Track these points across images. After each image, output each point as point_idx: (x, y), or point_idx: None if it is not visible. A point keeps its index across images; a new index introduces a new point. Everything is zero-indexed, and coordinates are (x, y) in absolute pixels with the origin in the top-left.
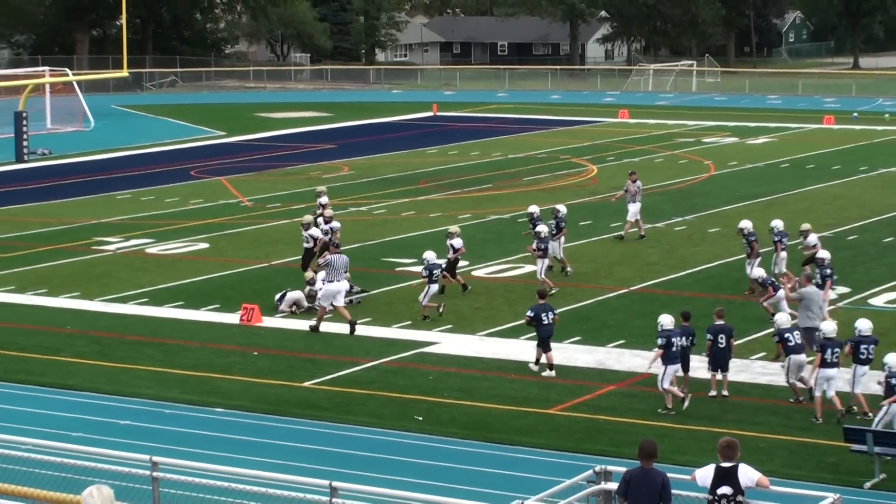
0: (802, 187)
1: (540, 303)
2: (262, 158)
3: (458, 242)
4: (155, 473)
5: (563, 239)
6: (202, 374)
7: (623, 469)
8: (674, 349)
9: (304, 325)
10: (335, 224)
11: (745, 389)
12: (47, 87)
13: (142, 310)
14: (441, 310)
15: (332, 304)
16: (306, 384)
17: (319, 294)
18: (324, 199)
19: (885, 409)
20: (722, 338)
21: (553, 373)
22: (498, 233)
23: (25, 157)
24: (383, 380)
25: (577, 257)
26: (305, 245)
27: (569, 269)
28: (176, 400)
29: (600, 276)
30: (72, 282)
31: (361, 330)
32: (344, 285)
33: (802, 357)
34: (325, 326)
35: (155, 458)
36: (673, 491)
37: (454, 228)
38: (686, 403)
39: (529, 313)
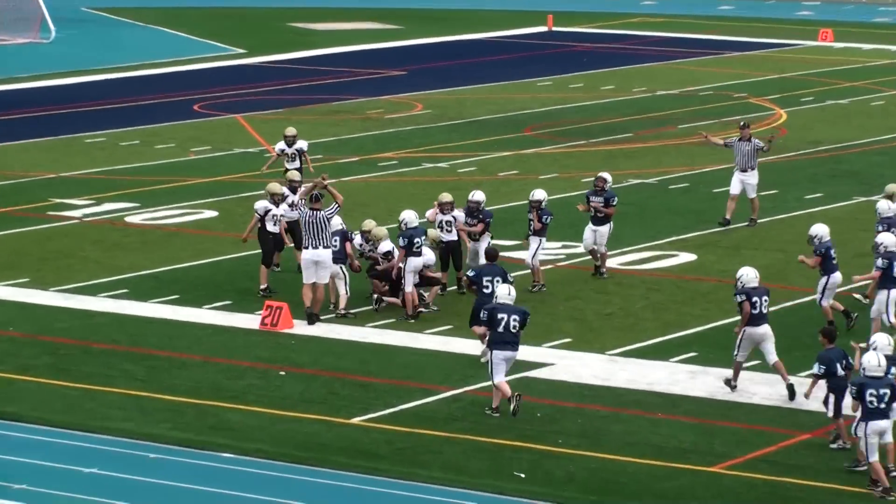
0: None
1: (829, 347)
2: (298, 89)
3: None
4: None
5: (610, 225)
6: (203, 401)
7: None
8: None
9: (354, 333)
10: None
11: None
12: None
13: (118, 305)
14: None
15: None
16: (355, 420)
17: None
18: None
19: None
20: None
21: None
22: (639, 204)
23: None
24: (468, 417)
25: (759, 242)
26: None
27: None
28: (165, 439)
29: (789, 272)
30: (17, 262)
31: (435, 343)
32: (324, 255)
33: None
34: (384, 337)
35: None
36: None
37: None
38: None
39: None
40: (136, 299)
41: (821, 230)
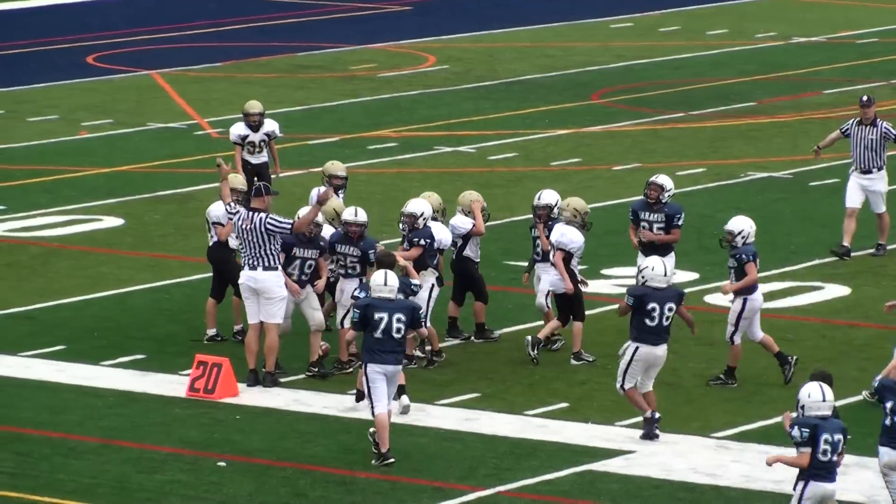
0: None
1: None
2: (246, 31)
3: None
4: None
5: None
6: None
7: None
8: None
9: (330, 402)
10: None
11: None
12: None
13: None
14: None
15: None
16: None
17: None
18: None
19: None
20: None
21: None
22: (764, 211)
23: None
24: None
25: None
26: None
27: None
28: None
29: None
30: None
31: (453, 418)
32: (265, 279)
33: None
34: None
35: None
36: None
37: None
38: None
39: None
40: None
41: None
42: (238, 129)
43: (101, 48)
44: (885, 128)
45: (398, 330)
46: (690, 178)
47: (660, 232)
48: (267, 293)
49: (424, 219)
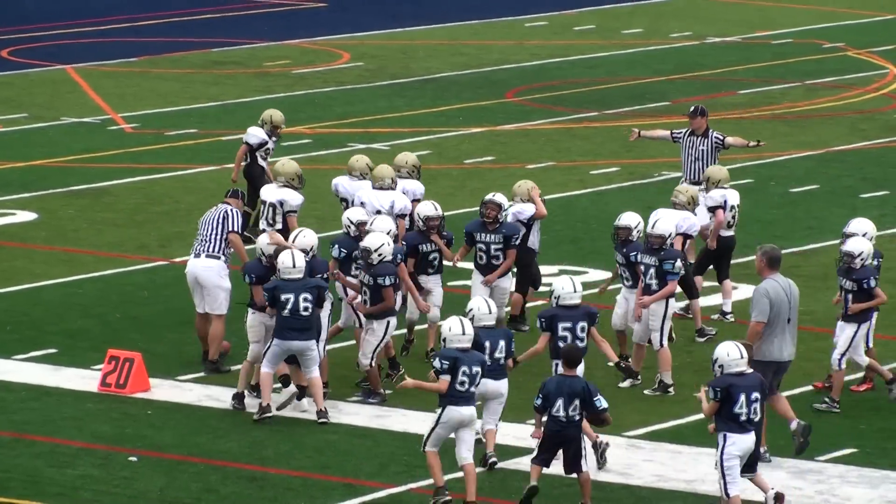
0: None
1: None
2: (161, 27)
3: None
4: None
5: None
6: (13, 500)
7: None
8: None
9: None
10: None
11: None
12: None
13: None
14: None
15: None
16: None
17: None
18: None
19: None
20: None
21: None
22: None
23: None
24: None
25: None
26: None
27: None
28: None
29: None
30: None
31: (364, 416)
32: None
33: None
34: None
35: None
36: None
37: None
38: None
39: None
40: None
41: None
42: (260, 135)
43: (16, 42)
44: (716, 137)
45: (305, 309)
46: (604, 176)
47: (498, 253)
48: (203, 281)
49: (380, 255)
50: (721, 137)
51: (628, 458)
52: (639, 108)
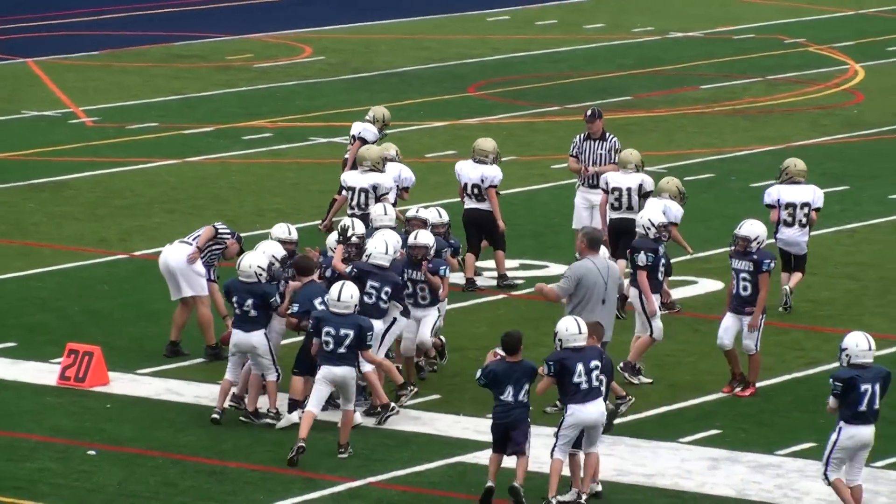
0: None
1: None
2: (123, 20)
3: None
4: None
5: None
6: None
7: None
8: None
9: (202, 391)
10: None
11: None
12: None
13: None
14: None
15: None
16: None
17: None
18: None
19: None
20: None
21: None
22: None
23: None
24: None
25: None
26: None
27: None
28: None
29: (862, 310)
30: None
31: (328, 412)
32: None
33: None
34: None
35: None
36: None
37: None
38: None
39: None
40: None
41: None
42: (374, 131)
43: None
44: (615, 141)
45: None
46: (566, 171)
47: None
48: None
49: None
50: (617, 143)
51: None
52: (600, 103)
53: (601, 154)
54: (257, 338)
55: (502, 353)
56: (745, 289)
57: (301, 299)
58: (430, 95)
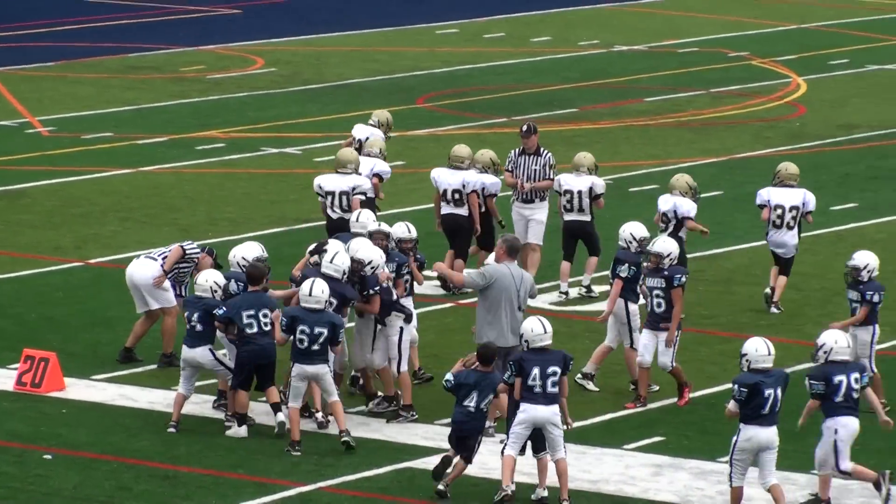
0: None
1: None
2: (78, 32)
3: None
4: None
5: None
6: None
7: None
8: None
9: (157, 398)
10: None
11: None
12: None
13: None
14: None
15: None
16: None
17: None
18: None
19: None
20: None
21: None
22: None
23: None
24: None
25: (761, 273)
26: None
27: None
28: None
29: (804, 320)
30: None
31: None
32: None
33: None
34: (202, 406)
35: None
36: None
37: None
38: None
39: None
40: None
41: (869, 260)
42: (380, 135)
43: None
44: (550, 157)
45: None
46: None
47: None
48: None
49: (372, 267)
50: (552, 158)
51: (534, 458)
52: (547, 115)
53: (535, 169)
54: (201, 353)
55: (476, 362)
56: (658, 305)
57: (231, 305)
58: (379, 107)
